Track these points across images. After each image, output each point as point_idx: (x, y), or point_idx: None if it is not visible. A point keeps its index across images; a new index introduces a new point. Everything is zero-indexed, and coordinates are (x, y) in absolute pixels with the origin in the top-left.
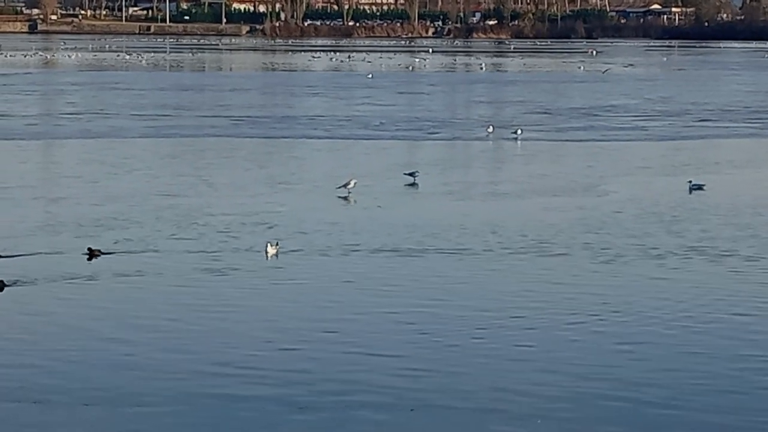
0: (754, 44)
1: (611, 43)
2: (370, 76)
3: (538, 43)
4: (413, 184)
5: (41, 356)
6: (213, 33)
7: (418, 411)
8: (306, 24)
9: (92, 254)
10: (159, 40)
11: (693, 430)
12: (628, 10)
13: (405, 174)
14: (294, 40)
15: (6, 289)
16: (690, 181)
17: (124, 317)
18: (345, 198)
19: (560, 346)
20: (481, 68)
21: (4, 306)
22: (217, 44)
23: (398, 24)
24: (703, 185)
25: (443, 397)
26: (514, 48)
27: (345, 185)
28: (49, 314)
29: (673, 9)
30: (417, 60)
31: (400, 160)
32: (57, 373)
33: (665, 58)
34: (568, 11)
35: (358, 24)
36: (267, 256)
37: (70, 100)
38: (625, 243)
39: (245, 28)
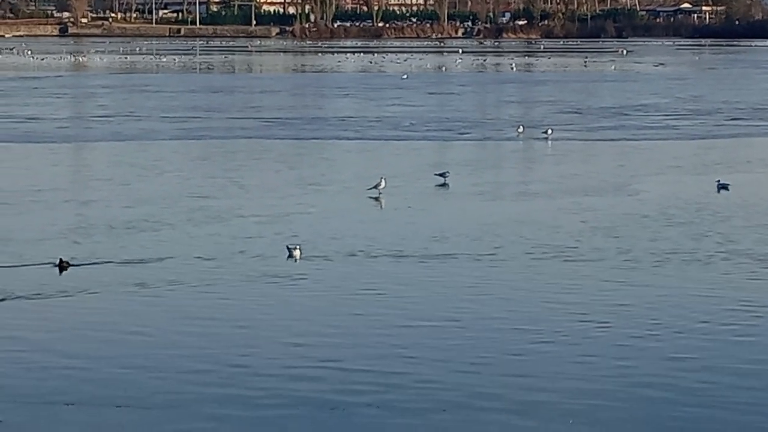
0: None
1: (642, 42)
2: (404, 76)
3: (569, 43)
4: (444, 185)
5: (75, 360)
6: (243, 35)
7: (450, 412)
8: (335, 25)
9: (62, 266)
10: (189, 42)
11: None
12: (659, 9)
13: (436, 174)
14: (323, 42)
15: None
16: (718, 181)
17: (151, 321)
18: (376, 199)
19: (595, 350)
20: (512, 68)
21: (40, 313)
22: (247, 46)
23: (428, 24)
24: (729, 184)
25: (475, 398)
26: (544, 48)
27: (375, 186)
28: (82, 320)
29: (704, 8)
30: (447, 60)
31: (431, 161)
32: (89, 376)
33: (696, 57)
34: (598, 11)
35: (387, 25)
36: (295, 259)
37: (100, 102)
38: (659, 245)
39: (275, 30)
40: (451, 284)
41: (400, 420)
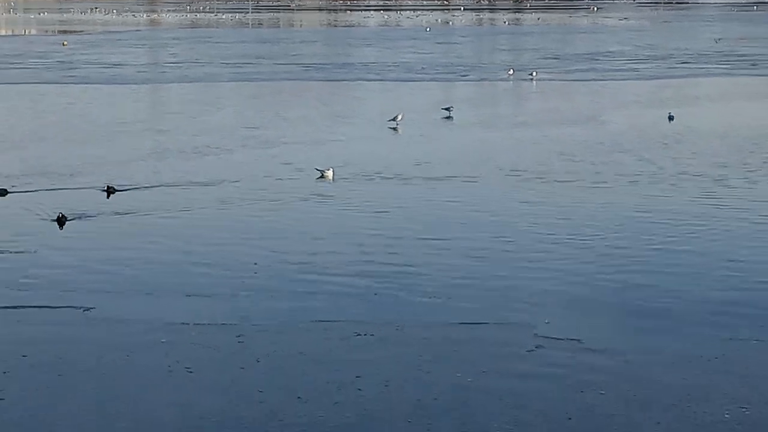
0: (727, 0)
1: (609, 1)
2: (428, 29)
3: (551, 1)
4: (449, 117)
5: (151, 259)
6: None
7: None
8: None
9: (109, 191)
10: (242, 2)
11: (670, 314)
12: None
13: (442, 109)
14: (351, 1)
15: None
16: (669, 113)
17: (211, 231)
18: (394, 129)
19: (567, 254)
20: (504, 23)
21: (120, 227)
22: (289, 5)
23: None
24: (672, 115)
25: (474, 285)
26: (530, 6)
27: (394, 119)
28: (161, 228)
29: None
30: (451, 16)
31: (439, 98)
32: (162, 272)
33: (654, 12)
34: None
35: None
36: (330, 180)
37: (171, 51)
38: (622, 167)
39: None
40: (452, 201)
41: (416, 299)
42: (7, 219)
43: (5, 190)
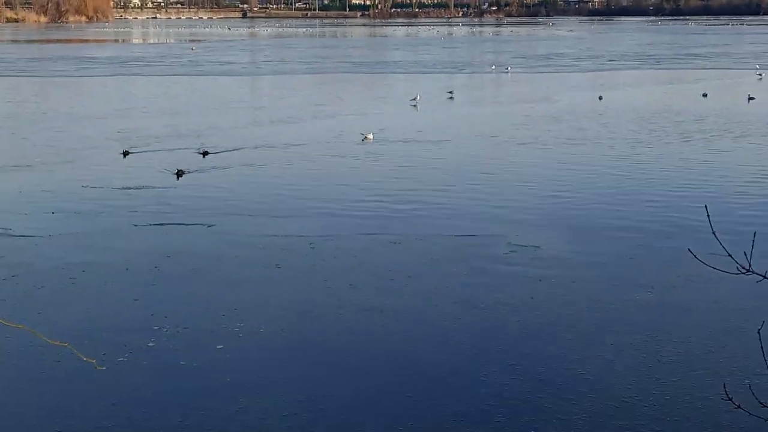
0: (641, 18)
1: (560, 18)
2: (441, 38)
3: (520, 19)
4: (451, 98)
5: (245, 196)
6: (341, 17)
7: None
8: (392, 10)
9: (204, 153)
10: (312, 20)
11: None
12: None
13: (447, 92)
14: (385, 20)
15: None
16: (600, 95)
17: (281, 180)
18: (414, 106)
19: (529, 190)
20: (489, 34)
21: (222, 177)
22: (343, 22)
23: (442, 10)
24: (602, 96)
25: (467, 210)
26: (506, 22)
27: (414, 99)
28: (255, 172)
29: None
30: (453, 30)
31: (444, 85)
32: (252, 202)
33: (591, 26)
34: (536, 1)
35: (420, 10)
36: (370, 141)
37: (265, 53)
38: (567, 132)
39: (359, 14)
40: (452, 155)
41: (428, 219)
42: (140, 170)
43: (127, 151)
